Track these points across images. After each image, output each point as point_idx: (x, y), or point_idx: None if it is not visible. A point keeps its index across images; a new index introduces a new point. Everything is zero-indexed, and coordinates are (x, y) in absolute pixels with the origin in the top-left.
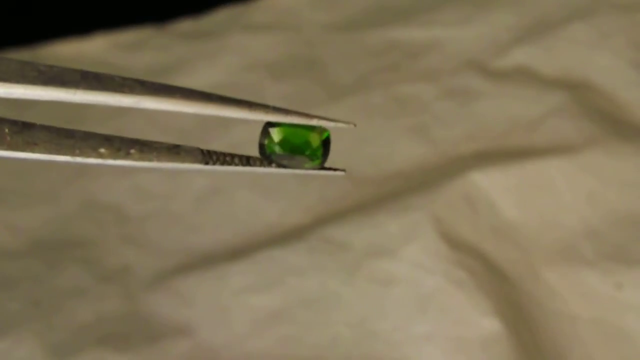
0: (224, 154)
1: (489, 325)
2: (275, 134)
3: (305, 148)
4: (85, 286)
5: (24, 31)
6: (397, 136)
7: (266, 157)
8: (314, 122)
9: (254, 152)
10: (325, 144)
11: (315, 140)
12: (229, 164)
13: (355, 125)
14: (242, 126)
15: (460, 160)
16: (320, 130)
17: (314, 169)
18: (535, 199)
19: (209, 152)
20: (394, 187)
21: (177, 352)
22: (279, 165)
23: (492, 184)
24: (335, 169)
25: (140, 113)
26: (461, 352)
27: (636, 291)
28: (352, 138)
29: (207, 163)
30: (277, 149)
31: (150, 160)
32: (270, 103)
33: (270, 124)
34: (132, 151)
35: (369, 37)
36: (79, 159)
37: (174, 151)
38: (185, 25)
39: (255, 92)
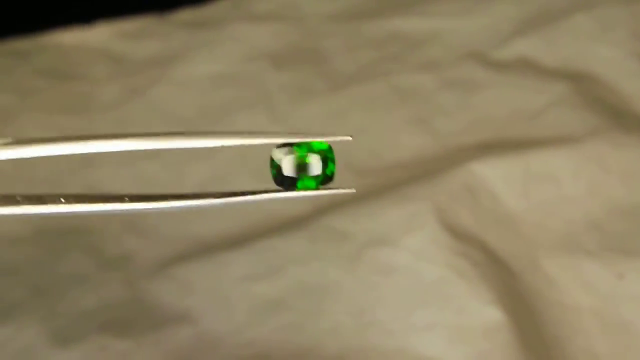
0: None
1: (491, 314)
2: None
3: (314, 145)
4: (87, 273)
5: (27, 20)
6: (398, 126)
7: (278, 179)
8: (310, 139)
9: None
10: (326, 154)
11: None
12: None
13: (351, 137)
14: (244, 115)
15: (462, 150)
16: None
17: (325, 184)
18: (536, 190)
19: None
20: (395, 177)
21: (178, 339)
22: (290, 186)
23: (494, 174)
24: (344, 188)
25: (143, 102)
26: (462, 342)
27: (637, 282)
28: (354, 128)
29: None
30: (283, 156)
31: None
32: (271, 92)
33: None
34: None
35: (370, 27)
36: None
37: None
38: (187, 14)
39: (256, 82)
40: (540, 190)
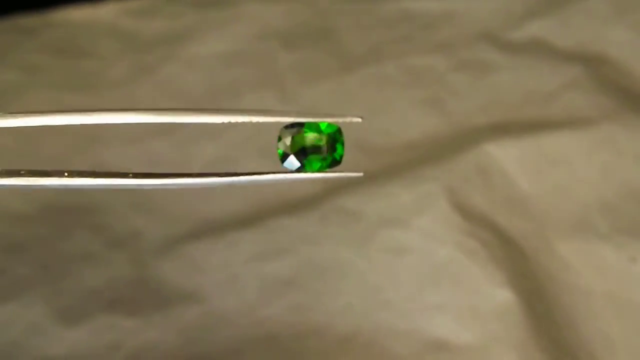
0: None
1: (502, 296)
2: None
3: (323, 127)
4: (95, 251)
5: None
6: (411, 107)
7: (285, 159)
8: (319, 120)
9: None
10: (335, 136)
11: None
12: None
13: (361, 119)
14: (254, 95)
15: (475, 132)
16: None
17: (332, 166)
18: (549, 172)
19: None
20: (407, 158)
21: (187, 318)
22: (297, 168)
23: (507, 155)
24: (352, 172)
25: (152, 80)
26: (473, 323)
27: None
28: (366, 109)
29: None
30: (290, 136)
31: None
32: (282, 72)
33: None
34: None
35: (382, 7)
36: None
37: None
38: None
39: (267, 61)
40: (552, 172)
